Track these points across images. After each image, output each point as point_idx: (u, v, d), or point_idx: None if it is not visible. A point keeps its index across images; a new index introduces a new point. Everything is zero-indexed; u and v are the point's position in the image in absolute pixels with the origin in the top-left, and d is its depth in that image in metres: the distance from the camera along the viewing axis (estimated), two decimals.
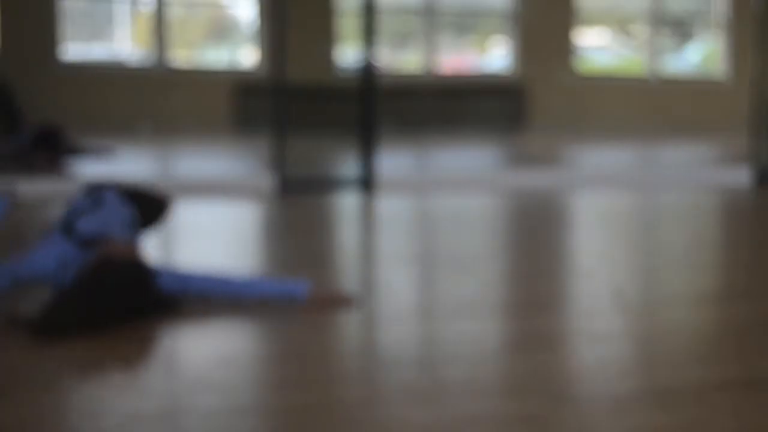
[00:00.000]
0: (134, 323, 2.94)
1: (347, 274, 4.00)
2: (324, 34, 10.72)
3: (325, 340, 2.98)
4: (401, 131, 9.63)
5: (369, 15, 6.56)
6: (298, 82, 8.07)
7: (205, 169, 7.01)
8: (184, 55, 10.92)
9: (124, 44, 11.07)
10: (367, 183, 6.46)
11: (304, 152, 7.13)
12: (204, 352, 2.79)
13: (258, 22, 10.79)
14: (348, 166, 6.99)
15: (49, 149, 7.04)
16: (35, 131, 7.21)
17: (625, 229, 5.40)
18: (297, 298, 3.26)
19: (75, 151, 7.24)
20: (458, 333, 2.96)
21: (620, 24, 12.82)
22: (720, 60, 12.46)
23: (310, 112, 9.12)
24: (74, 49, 10.20)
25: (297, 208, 5.73)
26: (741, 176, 7.22)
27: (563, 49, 11.65)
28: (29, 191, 6.02)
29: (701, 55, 12.92)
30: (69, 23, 10.19)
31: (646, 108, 11.82)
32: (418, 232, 5.30)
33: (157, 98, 9.98)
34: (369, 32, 6.58)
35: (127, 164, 7.05)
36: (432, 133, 10.33)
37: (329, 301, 3.30)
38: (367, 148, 6.57)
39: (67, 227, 3.32)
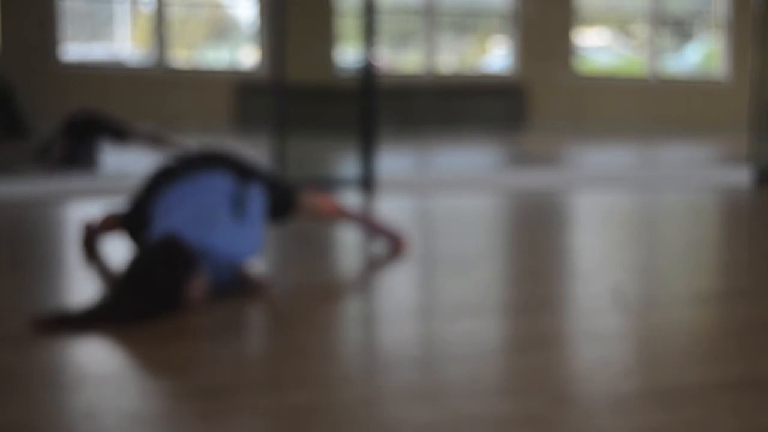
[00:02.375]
0: (135, 324, 2.94)
1: (347, 274, 4.00)
2: (324, 34, 10.72)
3: (325, 339, 2.98)
4: (401, 131, 9.63)
5: (369, 15, 6.56)
6: (298, 82, 8.07)
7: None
8: (184, 55, 10.91)
9: (124, 44, 11.07)
10: (367, 183, 6.46)
11: (304, 152, 7.13)
12: (203, 353, 2.79)
13: (258, 22, 10.79)
14: (348, 166, 6.99)
15: (77, 140, 6.90)
16: (68, 122, 7.01)
17: (625, 229, 5.40)
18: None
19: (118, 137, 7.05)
20: (458, 333, 2.96)
21: (620, 24, 12.82)
22: (720, 60, 12.46)
23: (310, 112, 9.11)
24: (74, 49, 10.20)
25: None
26: (741, 176, 7.21)
27: (563, 49, 11.65)
28: (31, 191, 6.03)
29: (701, 55, 12.92)
30: (69, 23, 10.19)
31: (646, 108, 11.81)
32: (418, 232, 5.30)
33: (157, 98, 9.98)
34: (369, 32, 6.58)
35: (128, 164, 7.04)
36: (432, 132, 10.32)
37: (253, 285, 3.35)
38: (367, 148, 6.57)
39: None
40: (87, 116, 7.04)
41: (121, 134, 7.00)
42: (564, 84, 11.50)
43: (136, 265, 3.05)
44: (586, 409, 2.32)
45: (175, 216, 3.32)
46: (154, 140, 7.18)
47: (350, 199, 6.16)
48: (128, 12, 11.01)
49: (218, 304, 3.21)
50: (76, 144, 6.85)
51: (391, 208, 5.87)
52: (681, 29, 12.81)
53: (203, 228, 3.27)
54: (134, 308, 2.97)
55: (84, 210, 5.56)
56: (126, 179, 6.58)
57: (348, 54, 10.73)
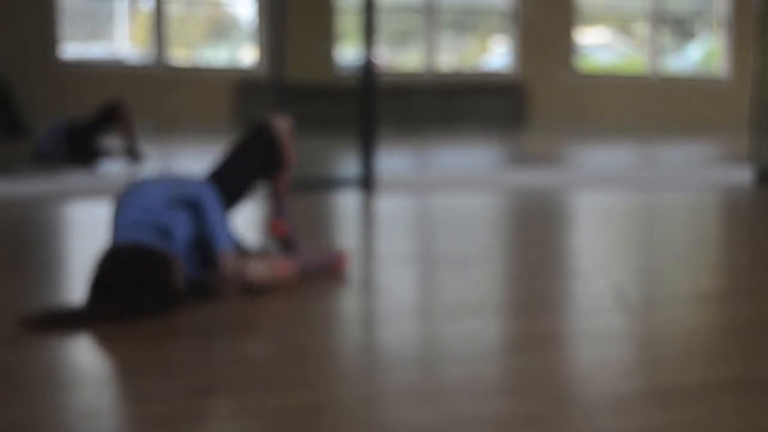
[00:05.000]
0: (134, 323, 2.94)
1: (347, 274, 3.99)
2: (324, 32, 10.72)
3: (325, 339, 2.98)
4: (401, 130, 9.63)
5: (369, 13, 6.55)
6: (298, 81, 8.07)
7: (206, 168, 7.00)
8: (183, 54, 10.91)
9: (123, 43, 11.06)
10: (367, 182, 6.46)
11: (303, 151, 7.12)
12: (202, 353, 2.78)
13: (257, 21, 10.79)
14: (348, 165, 6.99)
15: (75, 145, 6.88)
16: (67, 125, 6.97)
17: (625, 229, 5.40)
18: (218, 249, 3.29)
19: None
20: (458, 333, 2.96)
21: (621, 23, 12.82)
22: (721, 59, 12.46)
23: (310, 112, 9.11)
24: (74, 49, 10.20)
25: (297, 207, 5.72)
26: (742, 175, 7.21)
27: (564, 47, 11.65)
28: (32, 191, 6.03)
29: (702, 54, 12.92)
30: (68, 22, 10.18)
31: (646, 107, 11.82)
32: (418, 232, 5.30)
33: (156, 97, 9.98)
34: (369, 31, 6.57)
35: (128, 164, 7.04)
36: (432, 131, 10.33)
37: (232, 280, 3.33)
38: (367, 148, 6.57)
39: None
40: (82, 124, 7.02)
41: (107, 120, 6.96)
42: (564, 83, 11.50)
43: (109, 270, 3.03)
44: (586, 409, 2.32)
45: (121, 227, 3.29)
46: (127, 122, 7.10)
47: (350, 198, 6.16)
48: (127, 11, 11.00)
49: (216, 304, 3.21)
50: (76, 148, 6.84)
51: (391, 208, 5.87)
52: (682, 28, 12.81)
53: (142, 218, 3.27)
54: (124, 309, 2.96)
55: (84, 210, 5.57)
56: (125, 179, 6.59)
57: (348, 53, 10.73)
